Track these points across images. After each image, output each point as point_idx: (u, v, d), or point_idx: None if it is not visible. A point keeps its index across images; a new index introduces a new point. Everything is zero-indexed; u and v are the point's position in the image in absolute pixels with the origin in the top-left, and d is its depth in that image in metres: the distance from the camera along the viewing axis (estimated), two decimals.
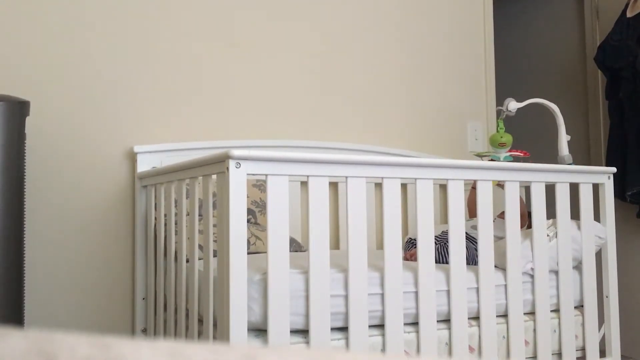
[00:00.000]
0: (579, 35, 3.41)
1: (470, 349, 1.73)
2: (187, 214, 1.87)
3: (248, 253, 2.01)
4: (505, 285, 1.80)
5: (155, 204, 2.11)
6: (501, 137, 2.18)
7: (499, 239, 1.98)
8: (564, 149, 2.25)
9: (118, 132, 2.27)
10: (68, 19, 2.23)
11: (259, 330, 1.51)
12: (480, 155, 2.19)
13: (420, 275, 1.64)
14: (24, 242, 1.76)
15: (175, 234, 1.94)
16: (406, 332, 1.65)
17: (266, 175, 1.45)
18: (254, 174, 1.43)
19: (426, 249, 1.65)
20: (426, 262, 1.65)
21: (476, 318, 1.76)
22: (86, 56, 2.25)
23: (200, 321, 1.70)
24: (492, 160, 2.12)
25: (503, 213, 1.87)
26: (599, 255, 2.11)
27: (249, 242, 2.09)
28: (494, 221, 1.84)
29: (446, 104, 2.87)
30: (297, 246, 2.24)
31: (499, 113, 2.39)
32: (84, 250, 2.20)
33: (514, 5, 3.91)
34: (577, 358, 1.91)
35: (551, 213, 2.02)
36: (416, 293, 1.65)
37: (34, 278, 2.13)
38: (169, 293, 1.89)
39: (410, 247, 2.13)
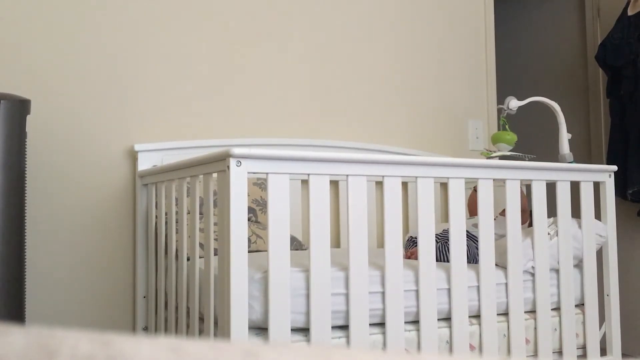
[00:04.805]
0: (580, 33, 3.41)
1: (471, 347, 1.73)
2: (188, 213, 1.87)
3: (249, 251, 2.01)
4: (506, 284, 1.80)
5: (156, 203, 2.11)
6: (507, 136, 2.18)
7: (500, 236, 1.98)
8: (564, 147, 2.25)
9: (119, 131, 2.28)
10: (69, 18, 2.23)
11: (260, 329, 1.52)
12: (488, 156, 2.17)
13: (421, 273, 1.65)
14: (25, 240, 1.76)
15: (176, 233, 1.94)
16: (407, 331, 1.65)
17: (267, 173, 1.45)
18: (254, 173, 1.43)
19: (427, 247, 1.65)
20: (427, 261, 1.65)
21: (477, 316, 1.76)
22: (87, 55, 2.25)
23: (201, 319, 1.70)
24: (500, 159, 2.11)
25: (504, 211, 1.87)
26: (599, 253, 2.11)
27: (249, 240, 2.09)
28: (495, 219, 1.84)
29: (447, 102, 2.87)
30: (297, 244, 2.24)
31: (499, 111, 2.39)
32: (84, 248, 2.20)
33: (515, 3, 3.91)
34: (577, 356, 1.91)
35: (552, 211, 2.02)
36: (417, 291, 1.65)
37: (34, 276, 2.13)
38: (169, 291, 1.89)
39: (411, 245, 2.13)
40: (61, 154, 2.20)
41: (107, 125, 2.26)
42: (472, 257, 1.87)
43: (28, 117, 2.14)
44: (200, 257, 1.84)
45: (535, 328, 1.84)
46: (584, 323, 1.95)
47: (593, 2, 3.27)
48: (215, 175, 2.11)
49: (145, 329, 2.19)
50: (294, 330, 1.52)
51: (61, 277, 2.17)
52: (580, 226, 1.96)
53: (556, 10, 3.59)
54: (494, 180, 1.79)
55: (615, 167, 2.04)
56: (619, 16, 2.94)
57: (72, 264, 2.18)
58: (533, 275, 1.86)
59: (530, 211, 1.93)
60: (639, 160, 2.77)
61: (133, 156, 2.28)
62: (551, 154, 3.31)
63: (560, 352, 1.88)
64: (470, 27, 2.95)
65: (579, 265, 1.97)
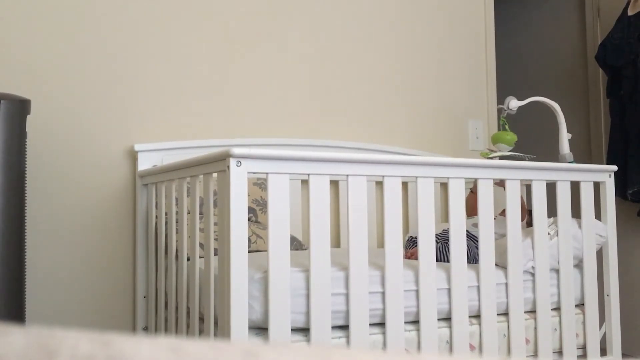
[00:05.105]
0: (580, 33, 3.41)
1: (471, 347, 1.73)
2: (188, 213, 1.87)
3: (249, 251, 2.01)
4: (506, 284, 1.80)
5: (156, 203, 2.11)
6: (507, 136, 2.18)
7: (500, 236, 1.98)
8: (564, 147, 2.25)
9: (119, 131, 2.28)
10: (69, 18, 2.23)
11: (260, 329, 1.52)
12: (487, 157, 2.16)
13: (421, 273, 1.65)
14: (25, 240, 1.76)
15: (176, 233, 1.94)
16: (407, 331, 1.65)
17: (267, 173, 1.45)
18: (254, 173, 1.43)
19: (427, 247, 1.65)
20: (427, 261, 1.65)
21: (477, 316, 1.76)
22: (87, 55, 2.25)
23: (201, 319, 1.70)
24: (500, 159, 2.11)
25: (504, 211, 1.87)
26: (599, 253, 2.11)
27: (249, 240, 2.09)
28: (494, 219, 1.84)
29: (447, 102, 2.87)
30: (297, 244, 2.24)
31: (499, 111, 2.39)
32: (84, 248, 2.20)
33: (515, 4, 3.91)
34: (577, 356, 1.91)
35: (552, 211, 2.02)
36: (417, 291, 1.65)
37: (34, 276, 2.13)
38: (169, 291, 1.89)
39: (411, 245, 2.13)
40: (61, 154, 2.20)
41: (107, 125, 2.26)
42: (472, 257, 1.87)
43: (28, 117, 2.14)
44: (200, 257, 1.84)
45: (535, 328, 1.84)
46: (584, 323, 1.95)
47: (593, 2, 3.27)
48: (215, 175, 2.10)
49: (145, 329, 2.19)
50: (294, 330, 1.52)
51: (61, 277, 2.17)
52: (580, 226, 1.96)
53: (556, 10, 3.59)
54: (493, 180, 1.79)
55: (615, 167, 2.04)
56: (619, 16, 2.94)
57: (72, 264, 2.18)
58: (533, 275, 1.86)
59: (530, 211, 1.93)
60: (639, 160, 2.77)
61: (133, 156, 2.28)
62: (551, 154, 3.31)
63: (560, 352, 1.88)
64: (470, 27, 2.95)
65: (579, 265, 1.97)
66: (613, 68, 2.91)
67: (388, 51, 2.76)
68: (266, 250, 1.89)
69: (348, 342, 1.55)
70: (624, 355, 2.42)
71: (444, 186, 2.76)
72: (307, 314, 1.50)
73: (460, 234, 1.71)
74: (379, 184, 2.67)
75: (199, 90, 2.41)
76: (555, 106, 2.30)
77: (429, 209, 1.66)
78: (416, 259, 1.82)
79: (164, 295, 1.99)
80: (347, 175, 1.55)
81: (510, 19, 3.93)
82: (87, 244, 2.21)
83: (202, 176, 1.66)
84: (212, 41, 2.44)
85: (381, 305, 1.60)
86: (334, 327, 1.57)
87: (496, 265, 1.83)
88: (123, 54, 2.30)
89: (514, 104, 2.27)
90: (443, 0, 2.90)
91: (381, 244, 2.65)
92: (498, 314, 1.79)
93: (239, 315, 1.38)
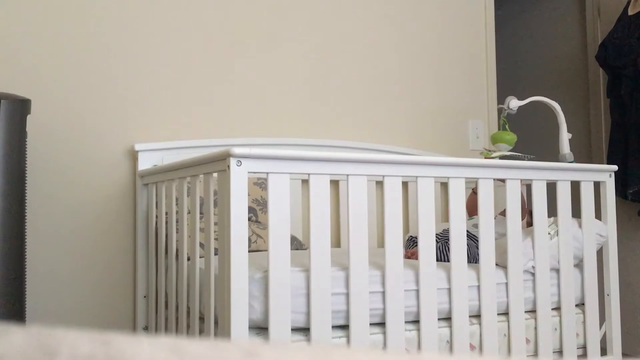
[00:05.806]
0: (581, 33, 3.41)
1: (471, 346, 1.73)
2: (188, 212, 1.87)
3: (249, 251, 2.01)
4: (506, 284, 1.80)
5: (157, 202, 2.11)
6: (508, 136, 2.18)
7: (501, 236, 1.98)
8: (565, 147, 2.25)
9: (119, 130, 2.28)
10: (69, 18, 2.23)
11: (260, 328, 1.52)
12: (487, 157, 2.16)
13: (421, 273, 1.64)
14: (25, 239, 1.76)
15: (176, 232, 1.94)
16: (407, 330, 1.65)
17: (267, 173, 1.45)
18: (255, 172, 1.43)
19: (427, 247, 1.65)
20: (427, 260, 1.65)
21: (477, 316, 1.76)
22: (87, 54, 2.25)
23: (202, 319, 1.70)
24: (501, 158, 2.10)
25: (504, 211, 1.87)
26: (600, 253, 2.11)
27: (250, 240, 2.09)
28: (494, 219, 1.84)
29: (447, 102, 2.87)
30: (298, 244, 2.24)
31: (500, 111, 2.39)
32: (85, 248, 2.20)
33: (515, 3, 3.91)
34: (578, 356, 1.91)
35: (552, 211, 2.02)
36: (417, 291, 1.65)
37: (35, 276, 2.13)
38: (170, 291, 1.89)
39: (411, 245, 2.13)
40: (61, 154, 2.20)
41: (107, 125, 2.26)
42: (473, 257, 1.87)
43: (28, 117, 2.14)
44: (200, 257, 1.84)
45: (536, 328, 1.84)
46: (584, 323, 1.95)
47: (593, 2, 3.27)
48: (215, 174, 2.11)
49: (146, 328, 2.19)
50: (294, 329, 1.52)
51: (61, 276, 2.17)
52: (580, 226, 1.96)
53: (556, 9, 3.59)
54: (493, 180, 1.79)
55: (615, 167, 2.04)
56: (619, 16, 2.93)
57: (73, 263, 2.18)
58: (533, 274, 1.86)
59: (530, 211, 1.93)
60: (639, 160, 2.76)
61: (133, 156, 2.28)
62: (551, 153, 3.31)
63: (560, 352, 1.88)
64: (470, 27, 2.95)
65: (579, 265, 1.97)
66: (613, 68, 2.91)
67: (388, 51, 2.76)
68: (266, 250, 1.89)
69: (348, 341, 1.55)
70: (624, 355, 2.42)
71: (444, 186, 2.76)
72: (308, 313, 1.50)
73: (460, 234, 1.71)
74: (379, 183, 2.67)
75: (199, 90, 2.41)
76: (556, 106, 2.30)
77: (429, 208, 1.66)
78: (416, 258, 1.82)
79: (164, 295, 1.99)
80: (347, 175, 1.55)
81: (510, 19, 3.93)
82: (87, 243, 2.21)
83: (202, 176, 1.66)
84: (212, 41, 2.44)
85: (381, 305, 1.60)
86: (334, 327, 1.57)
87: (496, 265, 1.82)
88: (123, 53, 2.30)
89: (514, 103, 2.27)
90: (443, 1, 2.90)
91: (381, 244, 2.65)
92: (498, 314, 1.79)
93: (239, 315, 1.38)
